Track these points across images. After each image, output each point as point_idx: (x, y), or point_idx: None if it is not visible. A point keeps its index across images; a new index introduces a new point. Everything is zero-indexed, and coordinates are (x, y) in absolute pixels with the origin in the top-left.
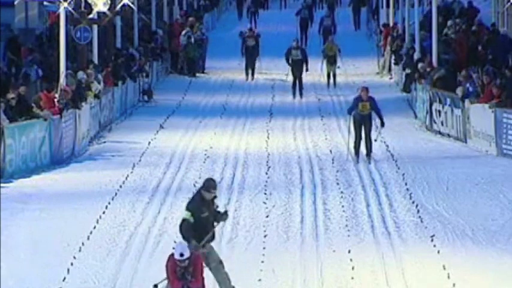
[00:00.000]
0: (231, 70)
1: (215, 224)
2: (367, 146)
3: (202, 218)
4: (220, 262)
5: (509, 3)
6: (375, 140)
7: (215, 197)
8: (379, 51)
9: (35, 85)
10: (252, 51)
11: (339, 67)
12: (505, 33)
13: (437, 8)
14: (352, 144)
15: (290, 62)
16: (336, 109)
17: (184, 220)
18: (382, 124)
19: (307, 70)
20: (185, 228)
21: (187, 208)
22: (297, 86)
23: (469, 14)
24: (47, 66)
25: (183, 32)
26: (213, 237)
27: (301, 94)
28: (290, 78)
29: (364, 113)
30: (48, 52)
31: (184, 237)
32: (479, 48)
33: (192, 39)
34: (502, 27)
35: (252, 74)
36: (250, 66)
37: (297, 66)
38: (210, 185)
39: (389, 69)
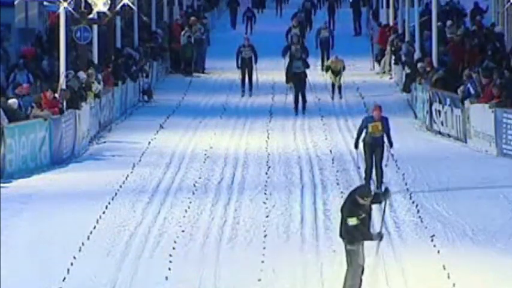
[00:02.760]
0: (231, 70)
1: (381, 203)
2: (377, 175)
3: (360, 219)
4: (363, 268)
5: (509, 3)
6: (386, 166)
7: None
8: (373, 50)
9: (35, 86)
10: (248, 63)
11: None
12: (500, 31)
13: (441, 8)
14: (363, 168)
15: (291, 74)
16: (336, 109)
17: (355, 226)
18: (391, 145)
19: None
20: (363, 232)
21: (351, 215)
22: (300, 101)
23: (473, 14)
24: (49, 68)
25: (183, 32)
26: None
27: (304, 109)
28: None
29: (376, 136)
30: (49, 52)
31: (365, 239)
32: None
33: (192, 39)
34: (502, 27)
35: (250, 89)
36: (247, 81)
37: (300, 80)
38: (363, 192)
39: (390, 69)
